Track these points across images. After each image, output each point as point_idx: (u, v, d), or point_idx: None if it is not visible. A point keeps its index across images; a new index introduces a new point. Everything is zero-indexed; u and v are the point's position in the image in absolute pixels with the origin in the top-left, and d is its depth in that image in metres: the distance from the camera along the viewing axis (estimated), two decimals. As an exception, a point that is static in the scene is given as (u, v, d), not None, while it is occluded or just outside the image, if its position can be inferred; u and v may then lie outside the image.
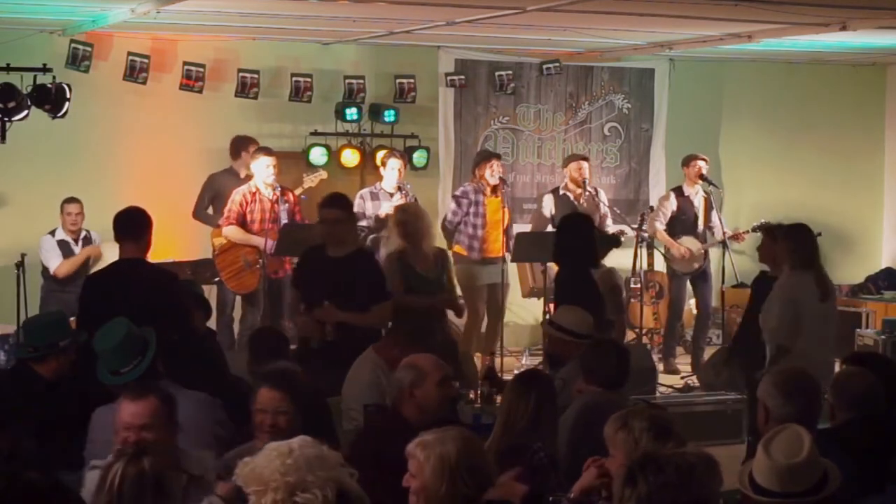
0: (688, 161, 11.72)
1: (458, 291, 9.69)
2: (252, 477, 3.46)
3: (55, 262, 10.29)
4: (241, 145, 11.15)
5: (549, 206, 11.50)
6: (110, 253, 9.60)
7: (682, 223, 11.58)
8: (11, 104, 9.61)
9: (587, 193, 11.44)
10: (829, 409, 5.18)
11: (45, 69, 9.80)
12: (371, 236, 10.44)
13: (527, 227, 11.75)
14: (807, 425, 4.00)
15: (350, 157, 11.99)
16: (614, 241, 9.72)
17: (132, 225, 7.05)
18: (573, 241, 8.20)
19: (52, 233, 10.39)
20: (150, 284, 6.83)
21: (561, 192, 11.51)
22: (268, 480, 3.43)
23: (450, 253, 9.78)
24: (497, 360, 10.73)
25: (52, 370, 6.10)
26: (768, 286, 7.83)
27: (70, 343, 6.17)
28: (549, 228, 11.40)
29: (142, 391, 4.65)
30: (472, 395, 7.57)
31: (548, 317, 9.08)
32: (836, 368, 6.96)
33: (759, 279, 8.48)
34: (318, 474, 3.42)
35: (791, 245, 7.60)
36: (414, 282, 8.96)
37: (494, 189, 10.92)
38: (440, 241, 10.20)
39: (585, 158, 11.73)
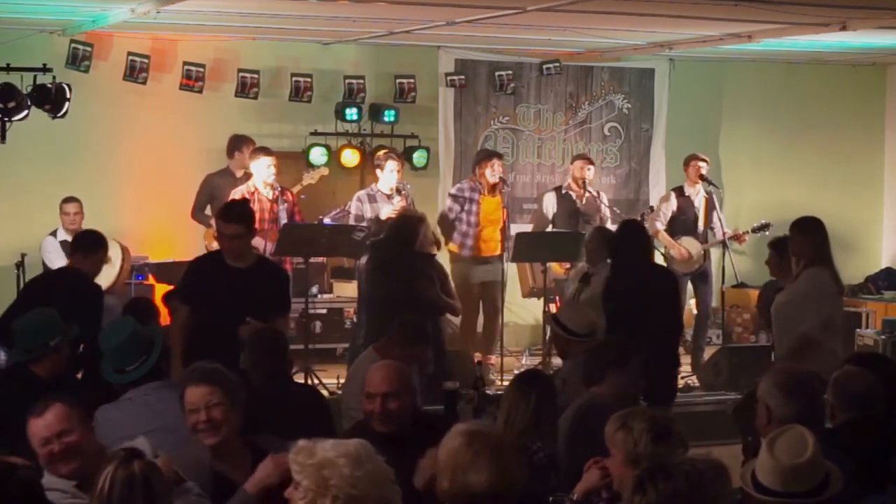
0: (688, 161, 11.72)
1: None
2: (314, 475, 3.35)
3: (59, 265, 10.18)
4: (235, 144, 11.13)
5: (550, 205, 11.49)
6: (113, 253, 9.62)
7: (682, 223, 11.57)
8: (11, 104, 9.62)
9: (588, 194, 11.44)
10: (829, 409, 5.18)
11: (45, 69, 9.82)
12: (371, 238, 10.39)
13: (527, 227, 11.75)
14: (809, 425, 4.00)
15: (350, 157, 11.98)
16: None
17: (85, 242, 8.01)
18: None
19: (54, 234, 10.35)
20: (76, 289, 7.67)
21: (564, 190, 11.52)
22: (330, 485, 3.31)
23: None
24: (497, 360, 10.77)
25: (48, 370, 6.10)
26: (775, 291, 8.08)
27: (61, 340, 6.16)
28: (550, 228, 11.46)
29: (45, 403, 4.47)
30: (471, 395, 7.54)
31: (552, 312, 9.17)
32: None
33: (767, 285, 8.57)
34: (381, 492, 3.33)
35: (815, 240, 7.59)
36: None
37: (493, 188, 10.91)
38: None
39: (591, 161, 11.73)
